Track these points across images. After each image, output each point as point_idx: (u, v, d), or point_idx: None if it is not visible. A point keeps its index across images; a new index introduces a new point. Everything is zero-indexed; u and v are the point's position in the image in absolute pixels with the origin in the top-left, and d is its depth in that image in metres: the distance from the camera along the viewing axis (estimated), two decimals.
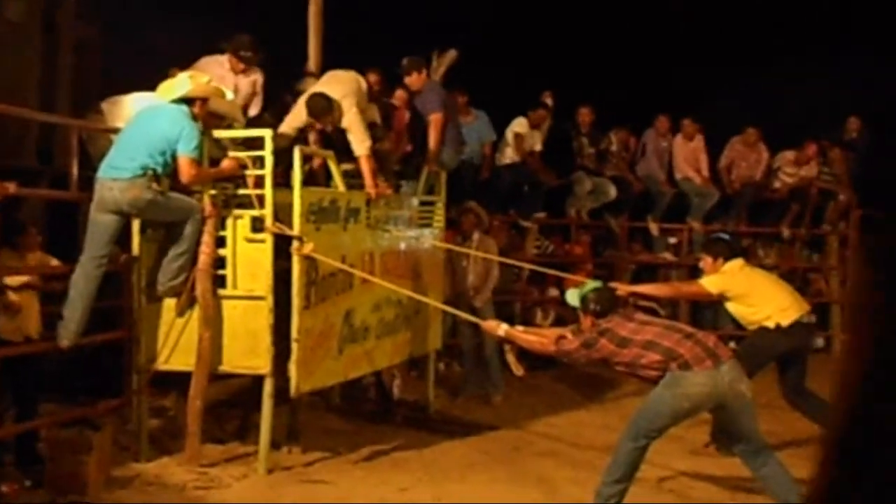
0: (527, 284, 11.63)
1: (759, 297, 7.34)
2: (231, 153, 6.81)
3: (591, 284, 6.03)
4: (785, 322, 7.28)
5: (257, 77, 8.11)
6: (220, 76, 7.70)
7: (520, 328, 6.38)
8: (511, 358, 6.00)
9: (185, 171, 6.47)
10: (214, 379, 7.01)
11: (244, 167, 6.72)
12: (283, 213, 6.76)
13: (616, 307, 5.82)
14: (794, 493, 5.69)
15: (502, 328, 6.21)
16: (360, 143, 7.52)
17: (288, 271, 6.65)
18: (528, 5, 14.52)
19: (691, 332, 5.68)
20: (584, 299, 5.81)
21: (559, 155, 11.88)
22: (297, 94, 8.42)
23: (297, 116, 7.62)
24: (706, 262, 7.50)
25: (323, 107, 7.41)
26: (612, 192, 12.06)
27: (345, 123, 7.55)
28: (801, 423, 7.92)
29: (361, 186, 7.64)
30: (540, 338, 6.15)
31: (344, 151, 7.61)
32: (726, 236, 8.46)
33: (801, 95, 14.34)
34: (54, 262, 6.69)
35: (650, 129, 12.60)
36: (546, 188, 11.66)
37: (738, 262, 7.48)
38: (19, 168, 8.45)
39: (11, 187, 6.21)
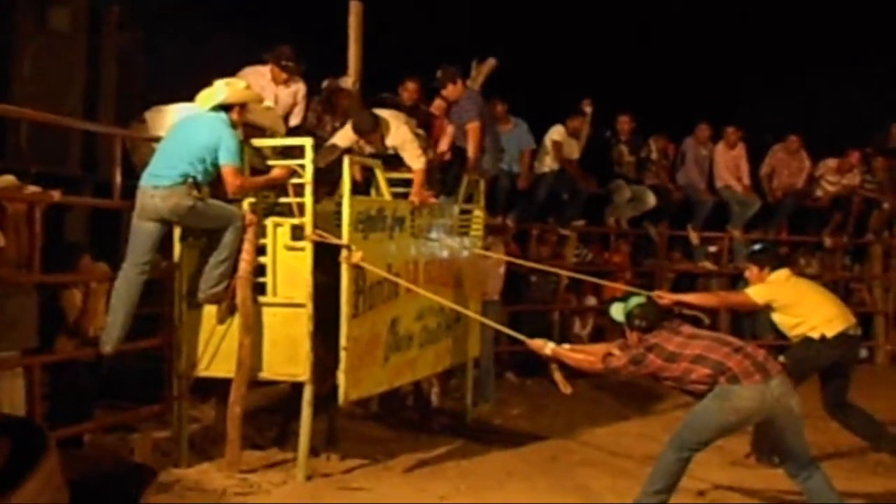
0: (565, 293, 11.59)
1: (805, 307, 7.26)
2: (277, 161, 6.84)
3: (636, 299, 5.95)
4: (830, 333, 7.20)
5: (299, 88, 8.17)
6: (262, 87, 7.76)
7: (566, 346, 6.34)
8: (558, 376, 5.96)
9: (231, 182, 6.50)
10: (254, 386, 7.06)
11: (294, 173, 6.73)
12: (323, 222, 6.79)
13: (662, 321, 5.76)
14: None
15: (549, 346, 6.15)
16: (416, 159, 7.57)
17: (326, 284, 6.67)
18: (567, 13, 14.50)
19: (740, 346, 5.59)
20: (629, 315, 5.76)
21: (598, 163, 11.86)
22: (331, 92, 8.47)
23: (345, 135, 7.63)
24: (752, 271, 7.43)
25: (369, 124, 7.44)
26: (652, 200, 12.00)
27: (395, 142, 7.57)
28: (843, 435, 7.84)
29: (404, 195, 7.70)
30: (587, 356, 6.09)
31: (387, 160, 7.65)
32: (769, 245, 8.38)
33: (843, 103, 14.23)
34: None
35: (690, 137, 12.52)
36: (585, 196, 11.63)
37: (784, 272, 7.41)
38: (63, 176, 8.59)
39: (55, 195, 6.30)
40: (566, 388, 6.37)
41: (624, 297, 6.20)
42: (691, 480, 6.32)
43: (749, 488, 6.76)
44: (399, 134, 7.56)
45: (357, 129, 7.46)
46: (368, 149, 7.54)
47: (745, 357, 5.46)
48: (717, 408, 5.46)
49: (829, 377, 7.41)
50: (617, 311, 5.93)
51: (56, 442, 6.02)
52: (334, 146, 7.49)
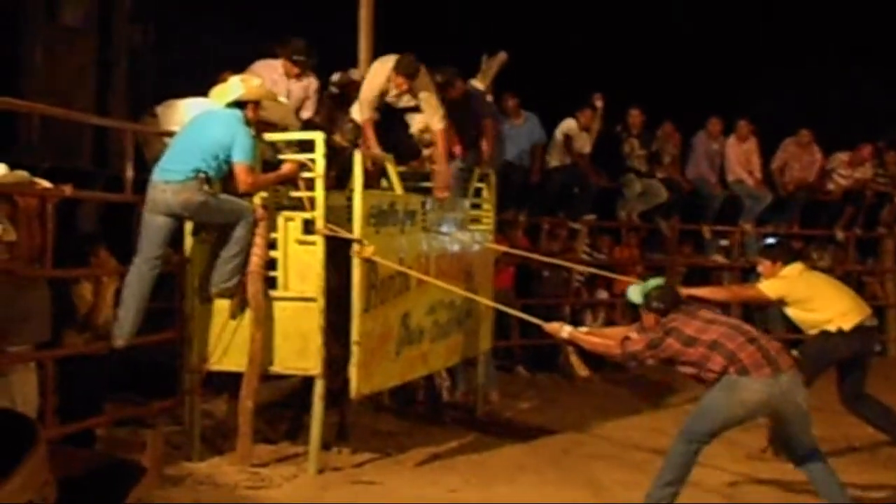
0: (577, 287, 11.58)
1: (819, 301, 7.21)
2: (287, 156, 6.84)
3: (654, 282, 5.95)
4: (847, 326, 7.15)
5: (311, 82, 8.16)
6: (273, 81, 7.76)
7: (583, 329, 6.32)
8: (574, 359, 5.92)
9: (243, 180, 6.51)
10: (266, 380, 7.08)
11: (303, 166, 6.73)
12: (335, 216, 6.79)
13: (679, 304, 5.75)
14: (841, 495, 5.64)
15: (566, 330, 6.14)
16: (436, 116, 7.65)
17: (337, 278, 6.68)
18: (578, 7, 14.47)
19: (755, 336, 5.55)
20: (646, 297, 5.75)
21: (609, 157, 11.84)
22: (344, 85, 8.48)
23: (370, 87, 7.67)
24: (765, 265, 7.39)
25: (413, 66, 7.48)
26: (663, 194, 11.98)
27: (423, 93, 7.64)
28: (855, 429, 7.82)
29: (415, 189, 7.72)
30: (604, 339, 6.07)
31: (399, 155, 7.67)
32: (781, 239, 8.35)
33: (855, 96, 14.18)
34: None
35: (701, 131, 12.49)
36: (595, 190, 11.61)
37: (797, 267, 7.36)
38: (75, 170, 8.60)
39: (67, 189, 6.31)
40: (583, 371, 6.34)
41: (643, 280, 6.17)
42: (708, 472, 6.33)
43: (766, 480, 6.75)
44: (425, 85, 7.61)
45: (400, 70, 7.49)
46: (394, 94, 7.64)
47: (758, 349, 5.43)
48: (724, 399, 5.45)
49: (846, 370, 7.36)
50: (635, 293, 5.90)
51: (67, 436, 6.09)
52: (352, 123, 7.59)
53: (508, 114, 10.64)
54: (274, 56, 8.07)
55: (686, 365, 5.57)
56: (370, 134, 7.73)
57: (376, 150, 7.61)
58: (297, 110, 8.04)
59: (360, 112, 7.89)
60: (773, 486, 6.66)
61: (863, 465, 7.25)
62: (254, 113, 6.69)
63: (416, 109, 7.87)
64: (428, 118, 7.64)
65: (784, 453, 5.88)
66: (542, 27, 14.27)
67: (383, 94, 7.75)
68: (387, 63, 7.71)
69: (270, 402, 7.85)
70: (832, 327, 7.12)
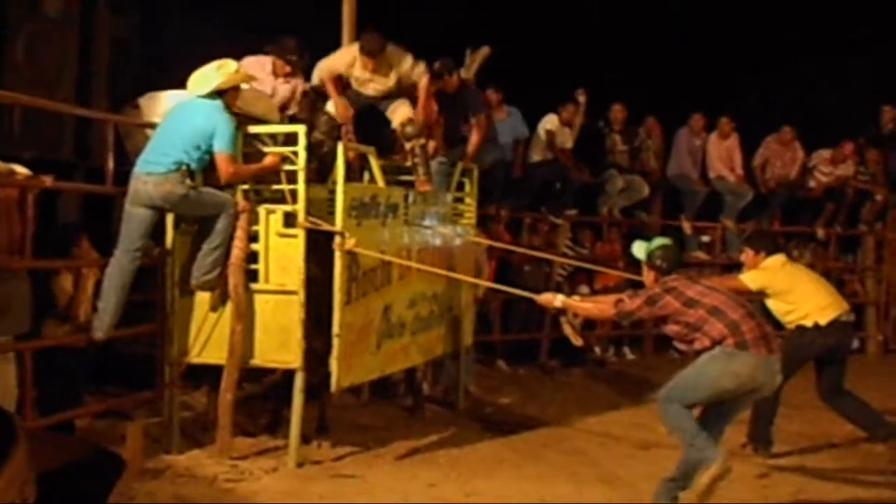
0: (558, 281, 11.60)
1: (798, 294, 7.26)
2: (269, 148, 6.83)
3: (660, 240, 6.00)
4: (823, 321, 7.20)
5: (298, 83, 8.11)
6: (260, 79, 7.74)
7: (576, 297, 6.37)
8: (568, 329, 5.94)
9: (224, 169, 6.50)
10: (249, 377, 7.07)
11: (285, 159, 6.73)
12: (316, 209, 6.79)
13: (680, 267, 5.80)
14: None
15: (559, 299, 6.17)
16: (418, 70, 7.83)
17: (318, 271, 6.68)
18: (560, 2, 14.47)
19: (753, 312, 5.61)
20: (650, 254, 5.79)
21: (592, 152, 11.86)
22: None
23: (334, 61, 7.84)
24: (748, 255, 7.44)
25: (377, 43, 7.50)
26: (645, 189, 12.02)
27: (402, 69, 7.73)
28: (833, 425, 7.87)
29: (398, 182, 7.73)
30: (597, 304, 6.13)
31: (382, 149, 7.68)
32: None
33: (837, 93, 14.22)
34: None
35: (684, 128, 12.53)
36: (577, 185, 11.63)
37: (779, 258, 7.42)
38: (56, 161, 8.57)
39: (48, 180, 6.29)
40: (577, 340, 6.38)
41: (648, 239, 6.21)
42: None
43: (744, 475, 6.76)
44: (405, 61, 7.66)
45: (364, 50, 7.50)
46: (371, 87, 7.71)
47: (757, 326, 5.50)
48: (718, 369, 5.44)
49: (824, 365, 7.40)
50: (639, 249, 5.92)
51: (47, 428, 6.06)
52: (328, 115, 7.61)
53: (491, 108, 10.64)
54: (264, 52, 8.03)
55: (678, 324, 5.57)
56: (331, 88, 7.86)
57: (339, 99, 7.78)
58: (282, 109, 8.01)
59: (315, 74, 7.98)
60: (753, 482, 6.69)
61: (842, 461, 7.29)
62: (233, 98, 6.69)
63: (385, 99, 7.89)
64: (415, 77, 7.72)
65: (696, 415, 5.80)
66: (524, 21, 14.26)
67: (347, 73, 7.85)
68: (353, 46, 7.79)
69: (250, 395, 7.83)
70: (808, 322, 7.17)
